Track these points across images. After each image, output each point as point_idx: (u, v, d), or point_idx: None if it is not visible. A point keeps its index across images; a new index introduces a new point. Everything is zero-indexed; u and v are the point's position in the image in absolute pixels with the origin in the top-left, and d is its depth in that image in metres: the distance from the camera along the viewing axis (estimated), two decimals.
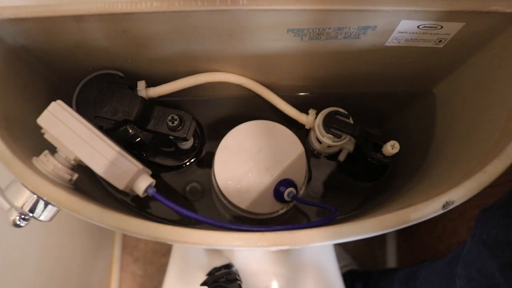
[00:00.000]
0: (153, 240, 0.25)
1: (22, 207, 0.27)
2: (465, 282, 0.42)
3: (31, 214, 0.27)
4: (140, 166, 0.30)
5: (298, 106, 0.43)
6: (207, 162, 0.45)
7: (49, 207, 0.28)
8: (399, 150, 0.39)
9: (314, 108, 0.43)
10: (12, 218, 0.28)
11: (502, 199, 0.42)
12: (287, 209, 0.40)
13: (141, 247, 0.95)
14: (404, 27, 0.34)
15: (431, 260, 0.60)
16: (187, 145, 0.43)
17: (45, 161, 0.28)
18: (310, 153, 0.46)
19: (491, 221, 0.40)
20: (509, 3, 0.31)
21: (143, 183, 0.30)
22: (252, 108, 0.47)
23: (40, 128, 0.29)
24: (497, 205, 0.41)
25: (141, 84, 0.39)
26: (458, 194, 0.26)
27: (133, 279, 0.93)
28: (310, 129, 0.44)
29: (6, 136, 0.27)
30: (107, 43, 0.34)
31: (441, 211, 0.26)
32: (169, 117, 0.37)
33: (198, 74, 0.40)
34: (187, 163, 0.44)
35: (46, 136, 0.29)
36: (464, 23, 0.33)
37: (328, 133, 0.40)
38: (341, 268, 0.77)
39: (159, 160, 0.43)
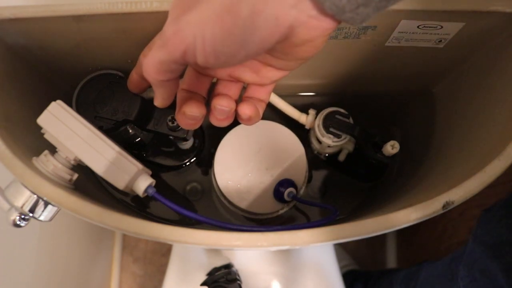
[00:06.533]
0: (153, 240, 0.25)
1: (22, 207, 0.27)
2: (468, 282, 0.42)
3: (31, 214, 0.27)
4: (140, 166, 0.30)
5: (298, 106, 0.43)
6: (207, 162, 0.45)
7: (49, 207, 0.28)
8: (399, 150, 0.39)
9: (314, 108, 0.43)
10: (12, 218, 0.28)
11: (503, 200, 0.42)
12: (287, 209, 0.40)
13: (141, 247, 0.95)
14: (404, 27, 0.34)
15: (431, 261, 0.60)
16: (187, 145, 0.43)
17: (45, 161, 0.28)
18: (310, 153, 0.46)
19: (493, 222, 0.40)
20: (509, 3, 0.31)
21: (143, 183, 0.30)
22: None
23: (40, 128, 0.29)
24: (498, 206, 0.41)
25: None
26: (458, 194, 0.26)
27: (133, 279, 0.93)
28: (310, 129, 0.44)
29: (6, 136, 0.27)
30: (107, 43, 0.34)
31: (441, 211, 0.26)
32: (169, 117, 0.37)
33: None
34: (187, 163, 0.44)
35: (46, 136, 0.29)
36: (464, 23, 0.33)
37: (328, 133, 0.40)
38: (341, 268, 0.77)
39: (159, 160, 0.43)
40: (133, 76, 0.32)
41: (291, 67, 0.25)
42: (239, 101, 0.29)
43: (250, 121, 0.28)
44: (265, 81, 0.27)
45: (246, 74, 0.27)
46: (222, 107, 0.27)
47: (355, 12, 0.18)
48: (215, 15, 0.19)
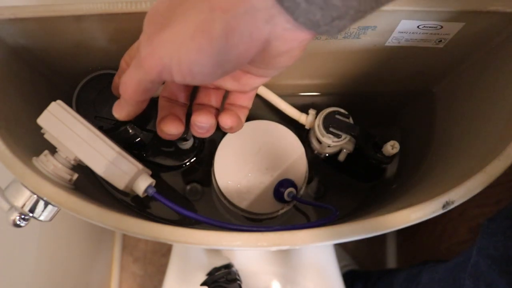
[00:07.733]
0: (153, 240, 0.25)
1: (22, 207, 0.27)
2: None
3: (31, 214, 0.27)
4: (140, 166, 0.30)
5: (298, 106, 0.43)
6: (207, 162, 0.45)
7: (49, 207, 0.28)
8: (399, 150, 0.39)
9: (314, 108, 0.43)
10: (12, 218, 0.28)
11: (507, 209, 0.41)
12: (287, 209, 0.40)
13: (141, 247, 0.95)
14: (404, 27, 0.34)
15: (432, 263, 0.60)
16: (187, 145, 0.43)
17: (45, 161, 0.28)
18: (310, 153, 0.46)
19: (498, 233, 0.40)
20: (509, 3, 0.31)
21: (143, 183, 0.30)
22: (252, 108, 0.47)
23: (40, 128, 0.29)
24: (502, 215, 0.41)
25: None
26: (458, 194, 0.26)
27: (133, 279, 0.93)
28: (310, 129, 0.44)
29: (6, 136, 0.27)
30: (107, 43, 0.34)
31: (441, 211, 0.26)
32: None
33: None
34: (187, 163, 0.44)
35: (46, 136, 0.29)
36: (464, 23, 0.33)
37: (328, 133, 0.40)
38: (341, 268, 0.77)
39: (159, 160, 0.43)
40: (116, 81, 0.32)
41: (271, 74, 0.25)
42: (221, 108, 0.29)
43: (232, 130, 0.29)
44: (246, 88, 0.26)
45: (227, 82, 0.27)
46: (201, 123, 0.27)
47: (330, 26, 0.18)
48: (188, 36, 0.18)
